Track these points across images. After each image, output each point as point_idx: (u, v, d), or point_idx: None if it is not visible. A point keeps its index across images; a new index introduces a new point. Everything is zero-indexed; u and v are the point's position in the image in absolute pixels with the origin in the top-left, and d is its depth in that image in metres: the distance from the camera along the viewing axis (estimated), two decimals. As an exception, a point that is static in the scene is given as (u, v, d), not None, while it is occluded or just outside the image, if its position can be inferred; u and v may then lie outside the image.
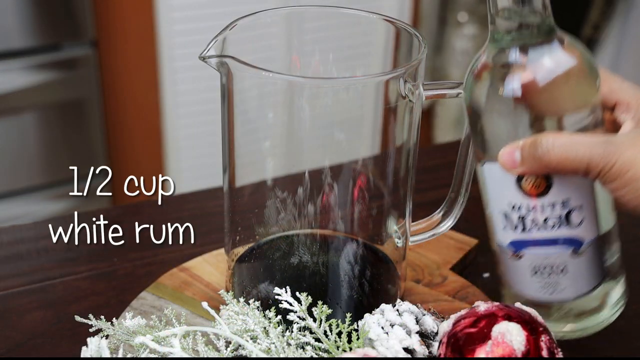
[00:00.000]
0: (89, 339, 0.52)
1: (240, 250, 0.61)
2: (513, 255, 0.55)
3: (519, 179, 0.52)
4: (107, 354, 0.50)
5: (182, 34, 1.71)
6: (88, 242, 0.74)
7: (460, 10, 2.04)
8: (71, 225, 0.77)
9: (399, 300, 0.56)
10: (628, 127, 0.54)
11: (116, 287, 0.68)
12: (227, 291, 0.57)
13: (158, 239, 0.75)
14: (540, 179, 0.52)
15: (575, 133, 0.51)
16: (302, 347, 0.53)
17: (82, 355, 0.51)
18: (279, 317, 0.54)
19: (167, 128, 1.79)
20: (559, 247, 0.53)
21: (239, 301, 0.54)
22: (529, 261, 0.54)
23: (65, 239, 0.74)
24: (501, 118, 0.52)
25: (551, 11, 0.51)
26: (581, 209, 0.53)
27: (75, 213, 0.73)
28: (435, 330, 0.54)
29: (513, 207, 0.53)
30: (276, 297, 0.53)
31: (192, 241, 0.67)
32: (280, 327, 0.53)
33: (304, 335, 0.53)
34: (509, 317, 0.50)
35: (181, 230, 0.76)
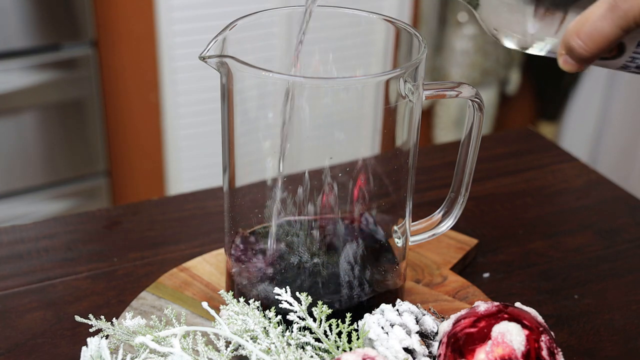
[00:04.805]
0: (89, 339, 0.52)
1: (238, 250, 0.61)
2: None
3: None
4: (107, 354, 0.50)
5: (182, 34, 1.71)
6: (88, 242, 0.74)
7: (460, 10, 2.04)
8: (71, 225, 0.77)
9: (399, 300, 0.56)
10: None
11: (116, 287, 0.68)
12: (227, 291, 0.57)
13: (158, 239, 0.75)
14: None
15: (587, 11, 0.48)
16: (302, 347, 0.53)
17: (82, 355, 0.51)
18: (279, 317, 0.54)
19: (167, 128, 1.79)
20: None
21: (238, 301, 0.54)
22: None
23: (65, 239, 0.75)
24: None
25: None
26: None
27: (76, 213, 0.73)
28: (435, 330, 0.54)
29: (623, 68, 0.50)
30: (276, 297, 0.53)
31: (192, 241, 0.67)
32: (280, 327, 0.53)
33: (304, 335, 0.53)
34: (509, 317, 0.50)
35: (181, 230, 0.76)
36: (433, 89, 0.57)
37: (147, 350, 0.52)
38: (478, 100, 0.58)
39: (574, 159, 0.92)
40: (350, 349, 0.52)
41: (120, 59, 1.72)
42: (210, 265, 0.68)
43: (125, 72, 1.74)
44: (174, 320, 0.55)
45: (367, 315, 0.54)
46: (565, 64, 0.50)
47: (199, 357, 0.51)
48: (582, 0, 0.49)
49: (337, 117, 0.55)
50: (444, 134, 2.16)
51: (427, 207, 0.66)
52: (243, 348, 0.52)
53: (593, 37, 0.48)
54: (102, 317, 0.57)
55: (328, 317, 0.55)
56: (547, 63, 2.08)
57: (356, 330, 0.55)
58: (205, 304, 0.51)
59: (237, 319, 0.53)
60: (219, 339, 0.53)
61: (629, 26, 0.47)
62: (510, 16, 0.52)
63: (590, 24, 0.47)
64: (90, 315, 0.56)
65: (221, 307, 0.54)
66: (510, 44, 0.53)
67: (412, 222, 0.62)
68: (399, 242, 0.60)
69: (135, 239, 0.75)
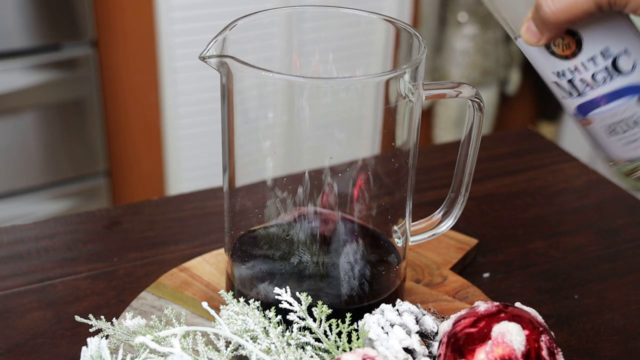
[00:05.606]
0: (89, 339, 0.52)
1: (238, 250, 0.61)
2: (585, 123, 0.52)
3: (548, 46, 0.50)
4: (107, 354, 0.50)
5: (182, 34, 1.71)
6: (88, 242, 0.74)
7: (460, 10, 2.04)
8: (71, 225, 0.77)
9: (399, 300, 0.56)
10: None
11: (116, 287, 0.68)
12: (227, 291, 0.57)
13: (158, 239, 0.75)
14: (568, 38, 0.50)
15: None
16: (302, 347, 0.53)
17: (82, 355, 0.51)
18: (279, 317, 0.54)
19: (167, 128, 1.79)
20: (622, 100, 0.51)
21: (238, 301, 0.54)
22: (600, 123, 0.52)
23: (65, 239, 0.75)
24: None
25: None
26: (627, 52, 0.50)
27: (76, 213, 0.73)
28: (435, 330, 0.54)
29: (558, 75, 0.51)
30: (276, 297, 0.53)
31: (192, 241, 0.67)
32: (280, 327, 0.53)
33: (304, 335, 0.53)
34: (509, 317, 0.50)
35: (181, 230, 0.76)
36: (433, 89, 0.57)
37: (147, 350, 0.52)
38: (478, 100, 0.58)
39: (574, 159, 0.92)
40: (350, 349, 0.52)
41: (120, 59, 1.72)
42: (210, 265, 0.68)
43: (125, 72, 1.74)
44: (174, 320, 0.55)
45: (367, 315, 0.54)
46: (527, 30, 0.50)
47: (199, 357, 0.51)
48: None
49: (337, 117, 0.55)
50: (444, 134, 2.16)
51: (427, 207, 0.66)
52: (243, 348, 0.52)
53: (565, 1, 0.47)
54: (102, 317, 0.57)
55: (328, 317, 0.55)
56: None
57: (356, 330, 0.55)
58: (205, 304, 0.51)
59: (237, 319, 0.53)
60: (219, 339, 0.53)
61: (602, 3, 0.47)
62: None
63: None
64: (90, 315, 0.56)
65: (221, 307, 0.54)
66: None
67: (412, 222, 0.62)
68: (399, 242, 0.60)
69: (135, 239, 0.75)
